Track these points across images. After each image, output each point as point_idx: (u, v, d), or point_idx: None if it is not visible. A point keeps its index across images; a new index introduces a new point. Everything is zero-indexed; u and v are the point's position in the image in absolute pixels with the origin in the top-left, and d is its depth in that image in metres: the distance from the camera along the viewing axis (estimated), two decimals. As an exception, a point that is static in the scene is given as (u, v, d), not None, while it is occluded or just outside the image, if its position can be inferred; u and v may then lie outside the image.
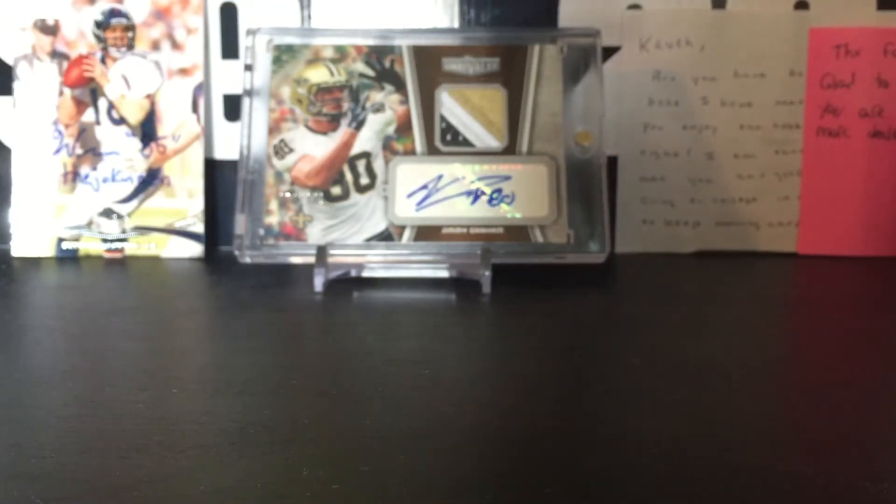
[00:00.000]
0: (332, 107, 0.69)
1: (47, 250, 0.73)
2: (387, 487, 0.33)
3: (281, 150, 0.68)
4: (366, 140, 0.68)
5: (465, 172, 0.67)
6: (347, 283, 0.64)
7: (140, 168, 0.73)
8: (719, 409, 0.42)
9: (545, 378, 0.47)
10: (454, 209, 0.67)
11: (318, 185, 0.68)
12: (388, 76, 0.69)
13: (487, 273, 0.63)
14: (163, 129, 0.74)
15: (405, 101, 0.69)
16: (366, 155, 0.68)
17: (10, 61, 0.74)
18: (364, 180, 0.68)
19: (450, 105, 0.69)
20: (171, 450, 0.37)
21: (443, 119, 0.69)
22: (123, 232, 0.73)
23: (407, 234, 0.67)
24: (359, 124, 0.69)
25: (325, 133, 0.69)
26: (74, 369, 0.49)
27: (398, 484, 0.34)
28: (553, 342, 0.54)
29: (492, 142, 0.68)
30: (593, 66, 0.69)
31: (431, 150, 0.68)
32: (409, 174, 0.68)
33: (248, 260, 0.66)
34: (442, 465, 0.35)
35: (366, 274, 0.66)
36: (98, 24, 0.74)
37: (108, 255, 0.73)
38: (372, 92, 0.69)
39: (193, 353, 0.54)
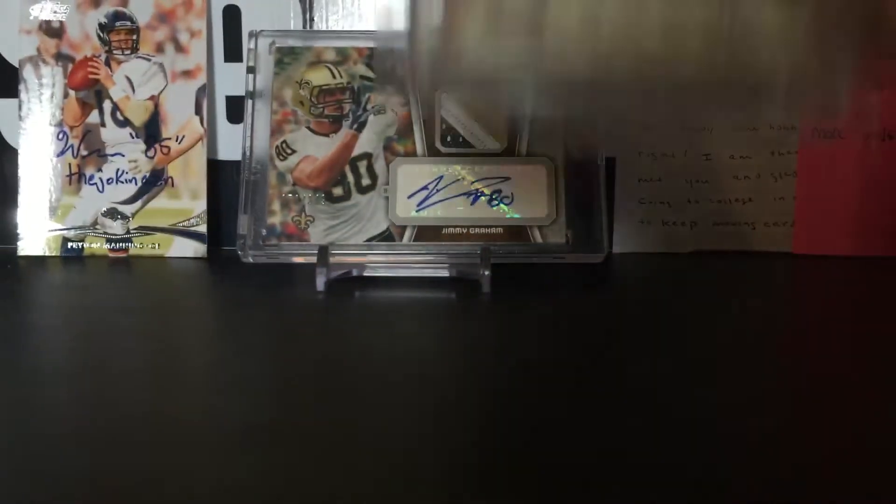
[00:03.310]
0: (334, 108, 0.70)
1: (53, 250, 0.74)
2: (388, 486, 0.34)
3: (283, 151, 0.69)
4: (367, 141, 0.69)
5: (464, 173, 0.68)
6: (349, 283, 0.65)
7: (144, 169, 0.74)
8: (717, 407, 0.43)
9: (544, 377, 0.48)
10: (454, 210, 0.68)
11: (320, 186, 0.68)
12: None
13: (487, 273, 0.64)
14: (167, 131, 0.74)
15: (406, 103, 0.69)
16: (367, 156, 0.69)
17: (15, 63, 0.75)
18: (365, 181, 0.69)
19: (450, 107, 0.70)
20: (174, 448, 0.37)
21: (443, 121, 0.69)
22: (128, 232, 0.74)
23: (407, 234, 0.67)
24: (360, 126, 0.69)
25: (326, 134, 0.69)
26: (79, 368, 0.49)
27: (400, 483, 0.34)
28: (552, 341, 0.54)
29: (491, 143, 0.69)
30: (591, 69, 0.70)
31: (432, 152, 0.69)
32: (410, 175, 0.68)
33: (250, 260, 0.67)
34: (443, 464, 0.36)
35: (367, 274, 0.66)
36: (102, 27, 0.75)
37: (112, 255, 0.74)
38: (373, 94, 0.70)
39: (197, 351, 0.54)
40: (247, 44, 0.72)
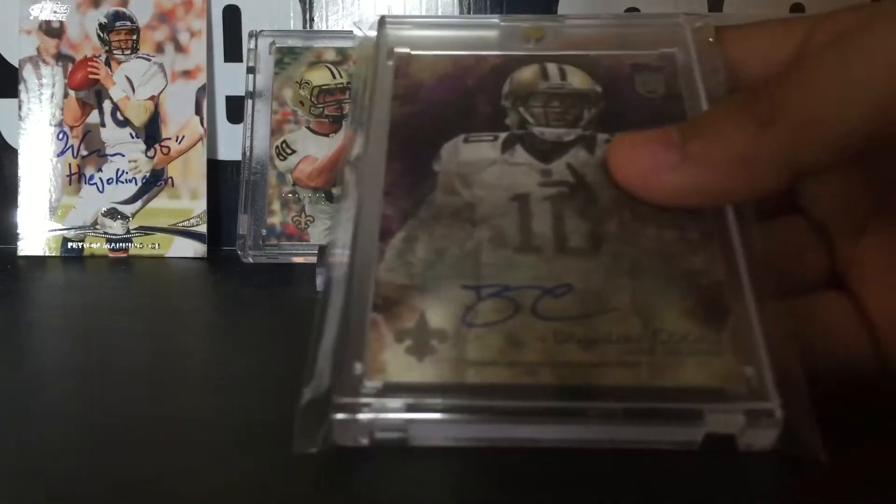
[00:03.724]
0: (334, 108, 0.70)
1: (53, 250, 0.74)
2: (391, 485, 0.34)
3: (283, 151, 0.69)
4: (367, 141, 0.69)
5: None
6: (349, 283, 0.65)
7: (144, 169, 0.74)
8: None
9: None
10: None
11: (320, 186, 0.69)
12: (388, 78, 0.70)
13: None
14: (167, 131, 0.74)
15: (406, 103, 0.69)
16: (367, 156, 0.69)
17: (15, 63, 0.75)
18: (365, 181, 0.69)
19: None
20: (174, 447, 0.37)
21: (443, 121, 0.69)
22: (128, 232, 0.74)
23: (407, 234, 0.67)
24: (360, 126, 0.69)
25: (326, 134, 0.69)
26: (78, 367, 0.49)
27: (401, 481, 0.34)
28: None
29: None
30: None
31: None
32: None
33: (250, 260, 0.67)
34: (441, 464, 0.36)
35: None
36: (102, 27, 0.75)
37: (112, 255, 0.74)
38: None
39: (197, 351, 0.54)
40: (247, 44, 0.72)
